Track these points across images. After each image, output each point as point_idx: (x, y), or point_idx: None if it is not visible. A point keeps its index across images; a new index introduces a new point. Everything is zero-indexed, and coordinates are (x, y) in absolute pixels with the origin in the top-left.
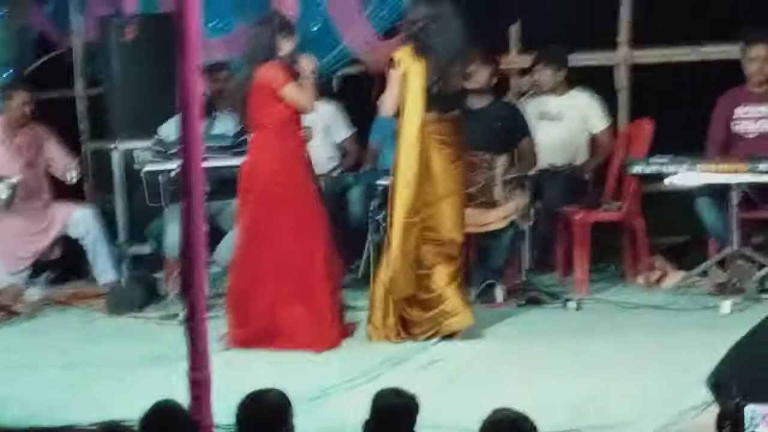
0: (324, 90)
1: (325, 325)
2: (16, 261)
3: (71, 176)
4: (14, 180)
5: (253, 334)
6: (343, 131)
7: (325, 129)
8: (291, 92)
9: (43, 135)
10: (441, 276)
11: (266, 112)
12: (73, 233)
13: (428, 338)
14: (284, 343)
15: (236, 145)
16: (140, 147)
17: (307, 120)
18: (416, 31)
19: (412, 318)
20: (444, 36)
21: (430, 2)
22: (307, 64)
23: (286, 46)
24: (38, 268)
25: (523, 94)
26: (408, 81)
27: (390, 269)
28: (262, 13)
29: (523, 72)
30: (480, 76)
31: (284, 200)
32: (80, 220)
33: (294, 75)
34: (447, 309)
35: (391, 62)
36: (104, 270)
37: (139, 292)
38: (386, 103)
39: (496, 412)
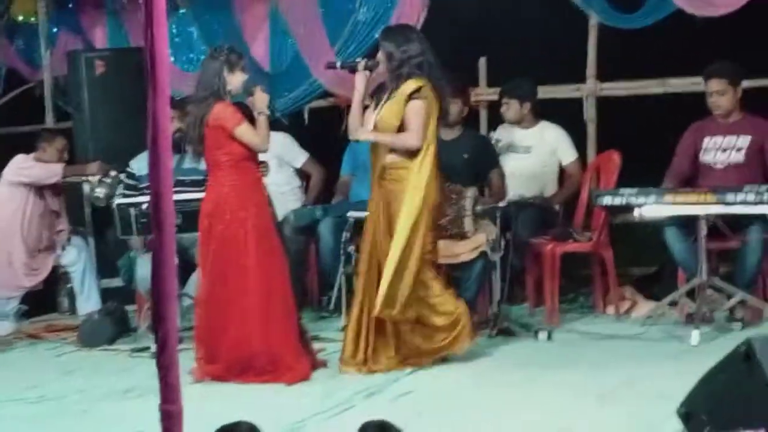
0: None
1: (294, 357)
2: (14, 288)
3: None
4: (113, 175)
5: (224, 370)
6: (298, 156)
7: (278, 159)
8: (244, 133)
9: (60, 191)
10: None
11: (222, 151)
12: (64, 261)
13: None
14: (254, 377)
15: (207, 179)
16: (95, 181)
17: (260, 155)
18: (417, 65)
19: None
20: (436, 68)
21: (413, 36)
22: (261, 98)
23: (234, 81)
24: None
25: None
26: (430, 111)
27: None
28: (210, 50)
29: (491, 105)
30: (451, 108)
31: (246, 237)
32: (72, 249)
33: (246, 112)
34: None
35: (417, 92)
36: (88, 299)
37: (110, 326)
38: (418, 134)
39: None
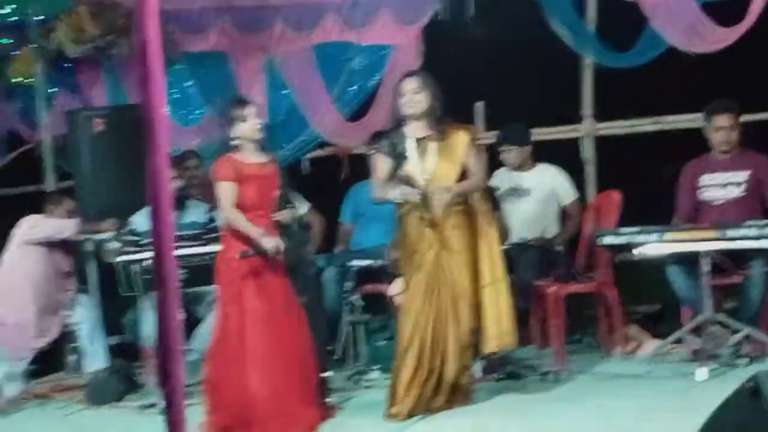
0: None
1: (303, 407)
2: (26, 349)
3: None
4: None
5: (228, 420)
6: (300, 207)
7: None
8: (219, 190)
9: (71, 250)
10: None
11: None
12: (71, 320)
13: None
14: (261, 428)
15: (207, 233)
16: (108, 238)
17: None
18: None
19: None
20: None
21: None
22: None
23: (242, 130)
24: None
25: None
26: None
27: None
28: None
29: (489, 148)
30: None
31: (242, 283)
32: (80, 308)
33: (239, 169)
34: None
35: (475, 139)
36: (95, 357)
37: (118, 383)
38: (485, 175)
39: None
